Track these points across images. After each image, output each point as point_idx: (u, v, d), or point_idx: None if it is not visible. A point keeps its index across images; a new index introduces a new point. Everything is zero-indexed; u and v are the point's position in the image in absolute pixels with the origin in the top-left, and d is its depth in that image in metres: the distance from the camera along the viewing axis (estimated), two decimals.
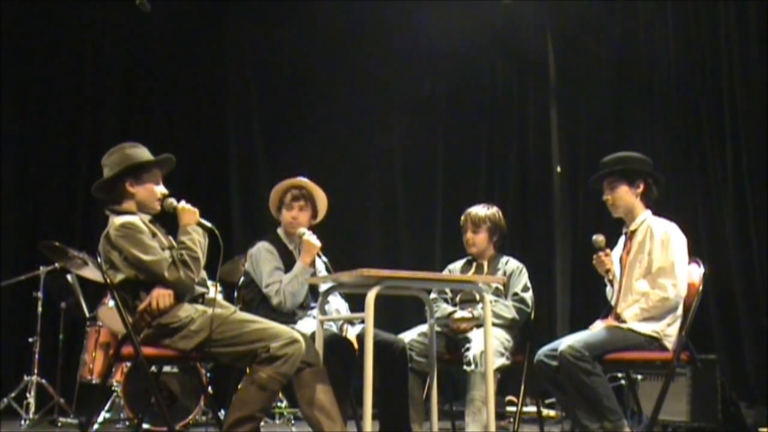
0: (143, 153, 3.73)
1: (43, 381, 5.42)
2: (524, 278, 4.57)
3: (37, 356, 5.42)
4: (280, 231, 4.38)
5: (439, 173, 6.93)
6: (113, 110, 6.75)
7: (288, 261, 4.26)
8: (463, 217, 4.71)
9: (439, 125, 7.02)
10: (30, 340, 5.45)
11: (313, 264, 4.25)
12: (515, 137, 6.97)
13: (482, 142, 7.01)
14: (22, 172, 6.50)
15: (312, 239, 4.20)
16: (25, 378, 5.38)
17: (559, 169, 6.81)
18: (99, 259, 3.64)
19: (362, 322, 4.06)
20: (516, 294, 4.51)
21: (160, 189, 3.75)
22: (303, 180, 4.36)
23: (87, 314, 5.53)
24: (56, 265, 5.43)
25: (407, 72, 6.89)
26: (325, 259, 4.44)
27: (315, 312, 4.08)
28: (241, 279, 4.52)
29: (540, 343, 4.18)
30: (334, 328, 4.25)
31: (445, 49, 6.86)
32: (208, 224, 3.71)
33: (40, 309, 5.48)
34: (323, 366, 3.69)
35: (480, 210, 4.67)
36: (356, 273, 3.47)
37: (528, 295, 4.52)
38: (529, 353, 4.30)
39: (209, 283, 3.89)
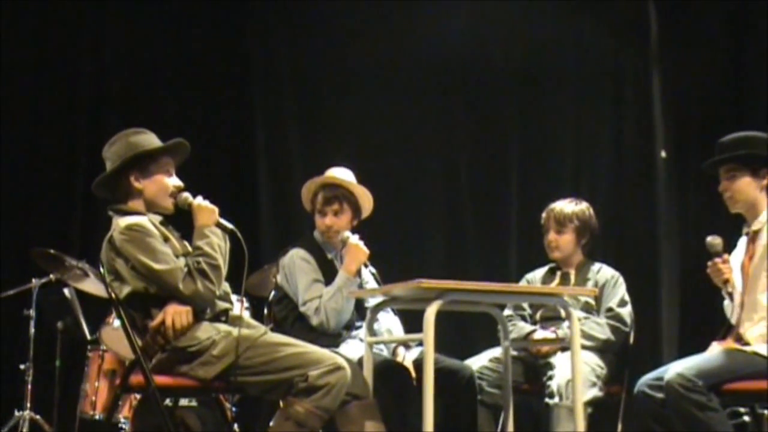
0: (150, 140, 3.78)
1: (38, 417, 5.50)
2: (621, 290, 4.55)
3: (29, 387, 5.50)
4: (317, 234, 4.41)
5: (513, 162, 6.88)
6: (116, 93, 6.81)
7: (328, 272, 4.29)
8: (544, 215, 4.70)
9: (512, 102, 6.97)
10: (21, 367, 5.53)
11: (358, 274, 4.27)
12: (608, 115, 6.90)
13: (567, 122, 6.95)
14: (11, 168, 6.61)
15: (360, 244, 4.23)
16: (16, 413, 5.47)
17: (663, 153, 6.74)
18: (101, 269, 3.70)
19: (420, 344, 4.06)
20: (611, 309, 4.49)
21: (173, 181, 3.79)
22: (335, 176, 4.38)
23: (88, 336, 5.60)
24: (51, 276, 5.51)
25: (469, 38, 6.86)
26: (372, 269, 4.46)
27: (362, 333, 4.10)
28: (272, 293, 4.56)
29: (641, 370, 4.14)
30: (386, 353, 4.26)
31: (517, 7, 6.82)
32: (229, 225, 3.75)
33: (32, 330, 5.56)
34: (373, 398, 3.71)
35: (565, 206, 4.66)
36: (412, 284, 3.48)
37: (626, 311, 4.49)
38: (627, 383, 4.27)
39: (233, 297, 3.93)
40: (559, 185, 6.55)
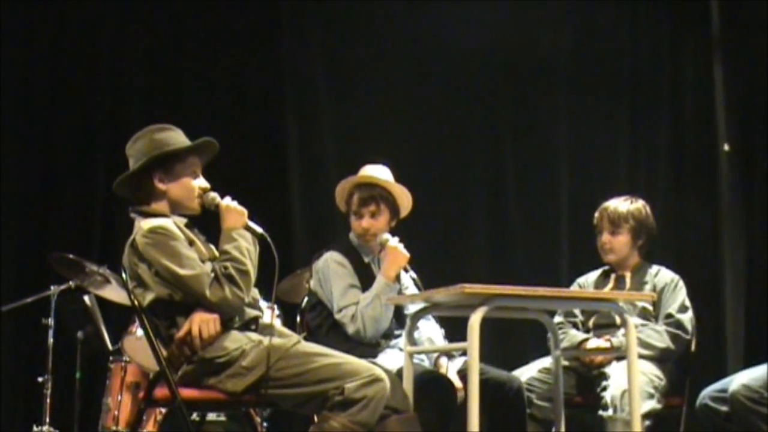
0: (177, 137, 3.80)
1: None
2: (681, 295, 4.53)
3: (48, 400, 5.54)
4: (352, 236, 4.42)
5: (563, 156, 6.86)
6: (137, 87, 6.85)
7: (365, 277, 4.29)
8: (597, 215, 4.69)
9: (562, 92, 6.95)
10: (39, 379, 5.57)
11: (398, 279, 4.27)
12: (666, 107, 6.87)
13: (622, 115, 6.91)
14: (26, 168, 6.66)
15: (399, 247, 4.23)
16: (35, 428, 5.51)
17: (726, 146, 6.69)
18: (123, 275, 3.73)
19: (464, 354, 4.06)
20: (670, 316, 4.47)
21: (200, 183, 3.81)
22: (371, 175, 4.37)
23: (110, 346, 5.65)
24: (70, 283, 5.55)
25: (516, 25, 6.85)
26: (413, 273, 4.45)
27: (402, 342, 4.10)
28: (305, 300, 4.58)
29: (703, 381, 4.13)
30: (427, 363, 4.26)
31: None
32: (258, 229, 3.76)
33: (51, 340, 5.60)
34: (414, 412, 3.71)
35: (620, 205, 4.65)
36: (455, 290, 3.48)
37: (686, 317, 4.47)
38: (689, 395, 4.25)
39: (263, 304, 3.95)
40: (614, 182, 6.52)
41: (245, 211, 3.76)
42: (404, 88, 6.83)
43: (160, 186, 3.75)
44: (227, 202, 3.77)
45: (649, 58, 6.92)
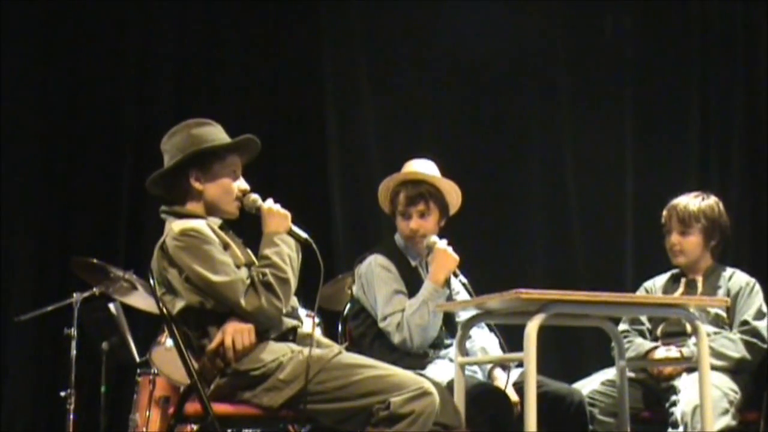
0: (216, 133, 3.80)
1: None
2: (757, 300, 4.51)
3: (72, 416, 5.59)
4: (398, 238, 4.42)
5: (627, 150, 6.83)
6: (168, 80, 6.90)
7: (411, 282, 4.29)
8: (665, 213, 4.68)
9: (626, 80, 6.92)
10: (62, 394, 5.63)
11: (447, 284, 4.27)
12: (741, 93, 6.81)
13: (691, 102, 6.87)
14: (47, 166, 6.73)
15: (448, 250, 4.22)
16: None
17: None
18: (152, 281, 3.75)
19: (520, 365, 4.06)
20: (746, 323, 4.45)
21: (240, 185, 3.82)
22: (417, 171, 4.37)
23: (137, 358, 5.69)
24: (94, 290, 5.60)
25: (574, 20, 6.82)
26: (463, 278, 4.46)
27: (452, 352, 4.11)
28: (347, 307, 4.59)
29: None
30: (480, 375, 4.27)
31: None
32: (303, 234, 3.76)
33: (74, 351, 5.65)
34: (466, 428, 3.71)
35: (690, 202, 4.63)
36: (510, 295, 3.48)
37: (763, 324, 4.45)
38: (766, 409, 4.21)
39: (302, 312, 3.96)
40: (683, 177, 6.49)
41: (288, 215, 3.75)
42: (452, 81, 6.84)
43: (197, 185, 3.75)
44: (269, 204, 3.76)
45: (719, 40, 6.87)
